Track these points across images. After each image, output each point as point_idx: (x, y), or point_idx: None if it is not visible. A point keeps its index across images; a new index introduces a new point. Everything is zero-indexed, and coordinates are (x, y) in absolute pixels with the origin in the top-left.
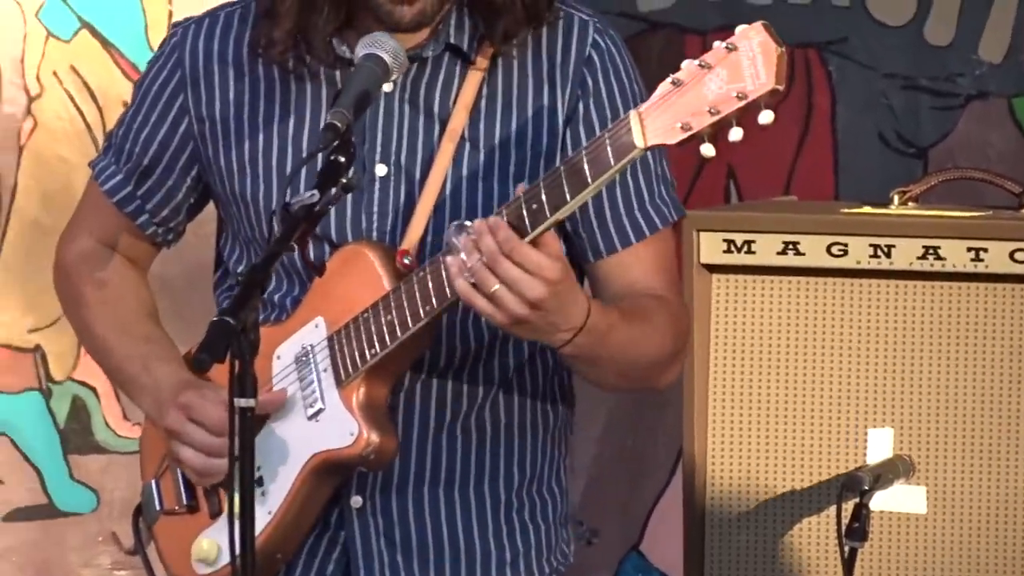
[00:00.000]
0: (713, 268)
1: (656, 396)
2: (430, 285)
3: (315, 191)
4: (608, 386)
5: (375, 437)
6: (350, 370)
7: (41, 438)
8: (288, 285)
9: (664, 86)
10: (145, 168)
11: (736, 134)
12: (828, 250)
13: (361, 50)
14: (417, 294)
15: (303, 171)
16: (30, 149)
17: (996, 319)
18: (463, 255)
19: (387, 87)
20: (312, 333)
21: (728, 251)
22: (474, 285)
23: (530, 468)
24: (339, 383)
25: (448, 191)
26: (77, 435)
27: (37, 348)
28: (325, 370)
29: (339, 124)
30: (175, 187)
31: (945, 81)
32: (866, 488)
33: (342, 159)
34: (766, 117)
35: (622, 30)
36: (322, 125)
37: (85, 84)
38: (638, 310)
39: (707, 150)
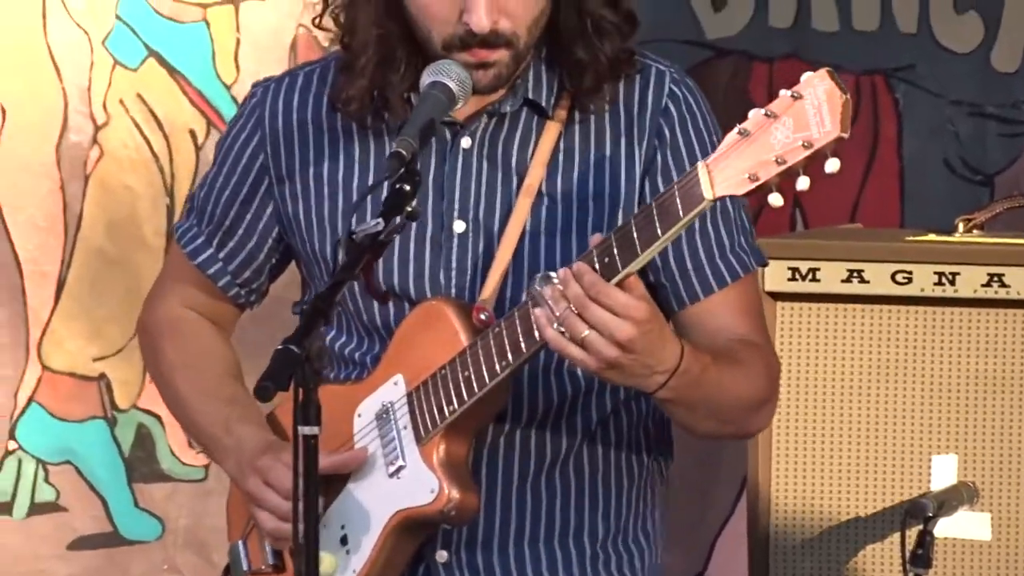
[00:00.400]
0: (778, 296)
1: None
2: (506, 340)
3: (380, 219)
4: (702, 431)
5: (456, 493)
6: (429, 427)
7: (106, 466)
8: (368, 343)
9: (731, 136)
10: (227, 230)
11: (803, 183)
12: (893, 278)
13: (427, 78)
14: (493, 349)
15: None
16: (96, 177)
17: None
18: (551, 303)
19: (465, 143)
20: (392, 390)
21: (793, 279)
22: (564, 334)
23: (615, 520)
24: (419, 440)
25: (526, 246)
26: (142, 463)
27: (102, 376)
28: (405, 427)
29: (404, 152)
30: (257, 248)
31: (1012, 108)
32: (930, 515)
33: (407, 187)
34: (832, 165)
35: (689, 58)
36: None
37: (152, 113)
38: (730, 353)
39: (775, 200)
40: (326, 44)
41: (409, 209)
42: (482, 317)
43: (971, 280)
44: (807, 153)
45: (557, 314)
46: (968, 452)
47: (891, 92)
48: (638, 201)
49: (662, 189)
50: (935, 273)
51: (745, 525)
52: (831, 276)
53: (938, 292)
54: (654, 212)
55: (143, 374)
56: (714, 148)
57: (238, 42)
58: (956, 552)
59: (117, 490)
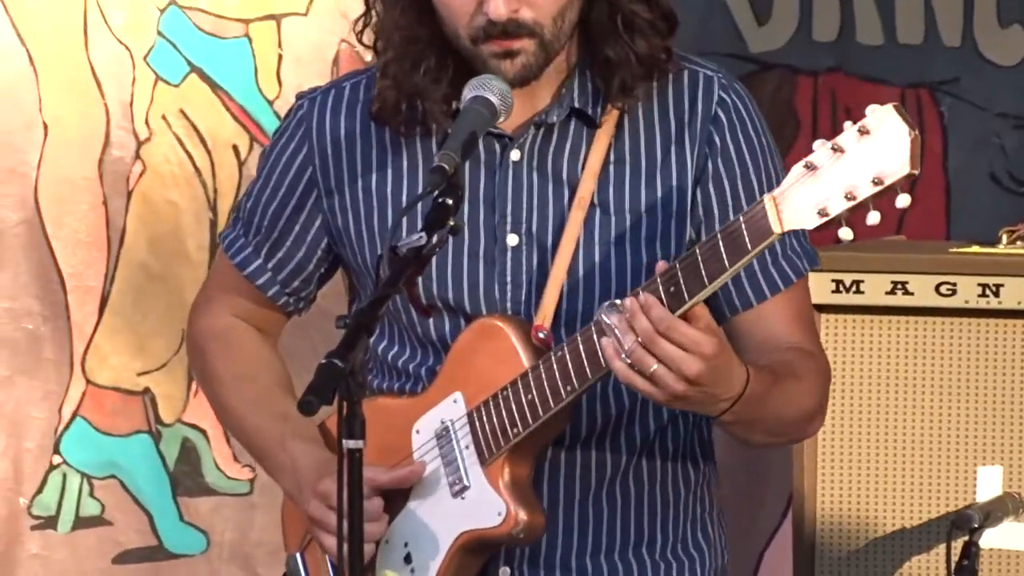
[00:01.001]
0: (822, 308)
1: None
2: (570, 365)
3: (423, 233)
4: (756, 443)
5: (524, 516)
6: (493, 449)
7: (151, 480)
8: (423, 355)
9: (797, 169)
10: (275, 241)
11: (874, 218)
12: (937, 289)
13: (468, 92)
14: (557, 373)
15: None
16: (139, 193)
17: None
18: (618, 333)
19: (515, 155)
20: (451, 408)
21: (837, 291)
22: (632, 366)
23: (673, 529)
24: (482, 461)
25: (580, 259)
26: (187, 477)
27: (146, 391)
28: (467, 447)
29: (447, 167)
30: (306, 259)
31: None
32: (976, 526)
33: (450, 201)
34: (903, 201)
35: (733, 71)
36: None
37: (194, 128)
38: (787, 367)
39: (845, 234)
40: (368, 59)
41: (452, 223)
42: (540, 336)
43: (1015, 291)
44: (877, 189)
45: (625, 347)
46: (1013, 463)
47: (936, 106)
48: (691, 210)
49: (714, 196)
50: (979, 285)
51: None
52: (875, 288)
53: (982, 304)
54: (720, 243)
55: (187, 388)
56: (766, 154)
57: (280, 58)
58: (1001, 563)
59: (162, 504)
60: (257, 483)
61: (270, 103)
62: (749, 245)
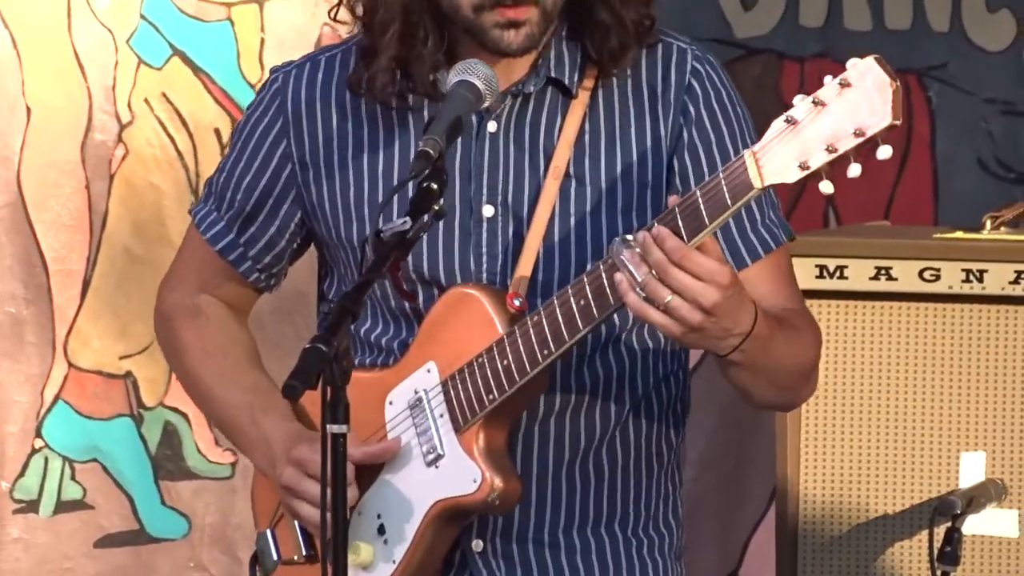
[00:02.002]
0: (806, 293)
1: (753, 421)
2: (547, 329)
3: (407, 218)
4: (760, 397)
5: (499, 482)
6: (468, 415)
7: (133, 464)
8: (395, 328)
9: (777, 124)
10: (247, 215)
11: (855, 170)
12: (920, 275)
13: (453, 77)
14: (534, 338)
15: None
16: (121, 176)
17: None
18: (631, 267)
19: (491, 127)
20: (425, 378)
21: (820, 276)
22: (646, 298)
23: (645, 506)
24: (457, 429)
25: (556, 229)
26: (169, 461)
27: (128, 374)
28: (441, 415)
29: (431, 151)
30: (278, 233)
31: None
32: (958, 512)
33: (434, 186)
34: (884, 152)
35: (719, 56)
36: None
37: (176, 111)
38: (788, 318)
39: (826, 187)
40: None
41: (436, 208)
42: (516, 303)
43: (999, 277)
44: (859, 141)
45: (639, 279)
46: (996, 449)
47: (924, 91)
48: (666, 180)
49: (690, 165)
50: (963, 270)
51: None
52: (859, 274)
53: (966, 289)
54: (699, 201)
55: (169, 372)
56: (741, 123)
57: (262, 41)
58: (984, 549)
59: (144, 488)
60: (239, 467)
61: (252, 87)
62: (729, 201)
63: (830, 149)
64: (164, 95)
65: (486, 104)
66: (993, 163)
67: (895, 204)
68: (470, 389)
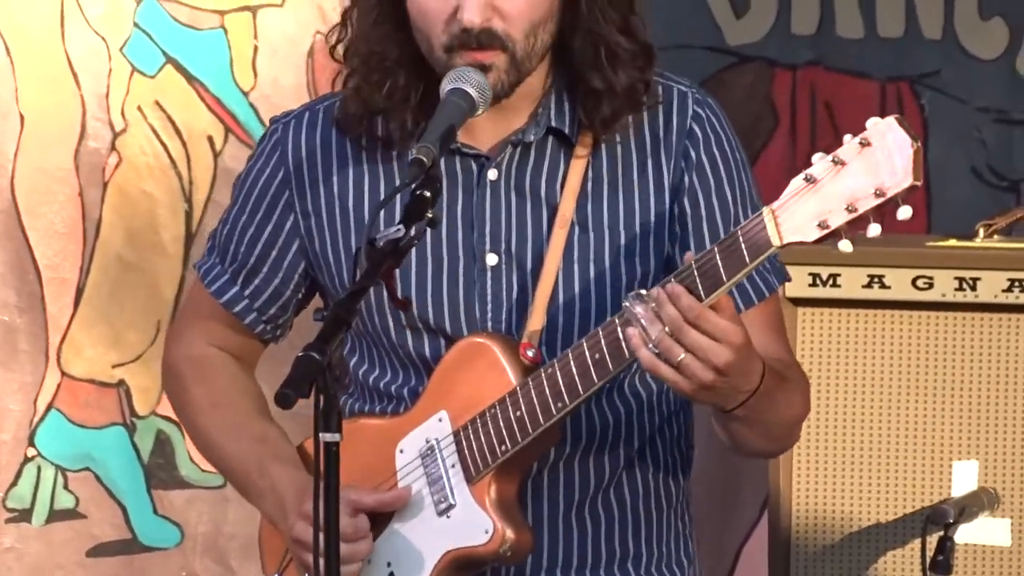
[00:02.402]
0: (798, 302)
1: None
2: (560, 382)
3: (400, 226)
4: (753, 449)
5: (511, 534)
6: (480, 466)
7: (125, 473)
8: (404, 376)
9: (797, 182)
10: (252, 267)
11: (874, 230)
12: (913, 283)
13: (447, 84)
14: (547, 390)
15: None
16: (114, 184)
17: None
18: (644, 323)
19: (492, 175)
20: (436, 427)
21: (813, 284)
22: (658, 355)
23: (657, 545)
24: (469, 479)
25: (563, 279)
26: (161, 470)
27: (121, 383)
28: (453, 465)
29: (424, 159)
30: (283, 285)
31: None
32: (951, 521)
33: (428, 193)
34: (905, 213)
35: (711, 64)
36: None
37: (170, 119)
38: (783, 370)
39: (845, 246)
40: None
41: (430, 215)
42: (529, 354)
43: (992, 285)
44: (879, 201)
45: (653, 336)
46: (989, 458)
47: (917, 99)
48: (668, 225)
49: (689, 210)
50: (956, 278)
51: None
52: (852, 282)
53: (959, 297)
54: (718, 258)
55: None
56: (739, 168)
57: (256, 49)
58: (977, 558)
59: (136, 497)
60: None
61: (245, 94)
62: (748, 258)
63: (850, 209)
64: (157, 103)
65: (479, 112)
66: (986, 171)
67: (888, 212)
68: (482, 440)
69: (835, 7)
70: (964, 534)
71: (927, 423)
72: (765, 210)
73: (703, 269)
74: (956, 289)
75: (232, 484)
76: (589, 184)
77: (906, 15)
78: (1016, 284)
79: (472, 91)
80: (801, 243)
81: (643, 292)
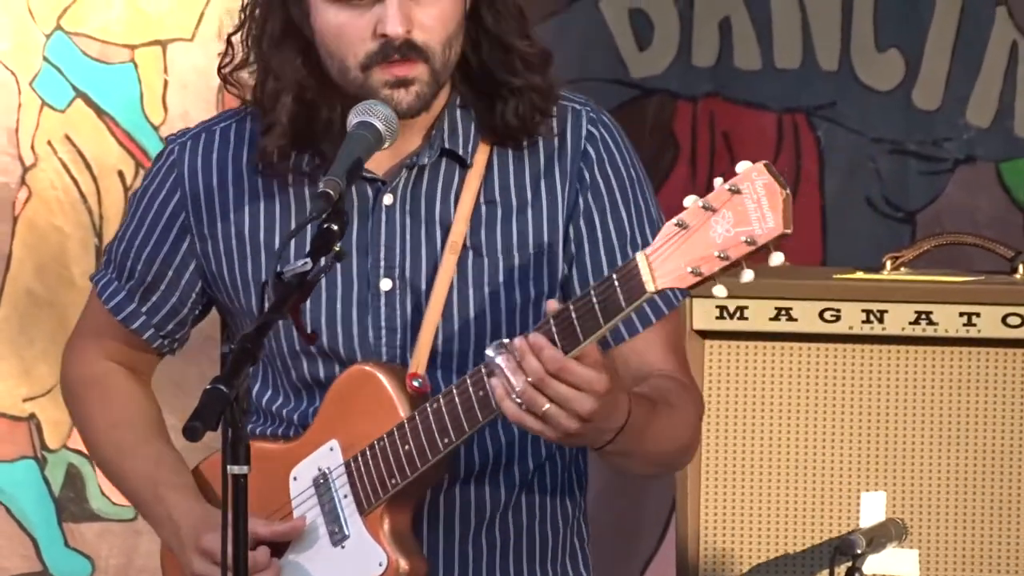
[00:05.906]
0: (705, 334)
1: None
2: (446, 417)
3: (308, 259)
4: (634, 474)
5: (405, 565)
6: (372, 498)
7: (36, 506)
8: (296, 400)
9: (669, 227)
10: (148, 285)
11: (747, 276)
12: (821, 316)
13: (353, 118)
14: (434, 425)
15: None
16: (24, 219)
17: (989, 384)
18: (508, 374)
19: (387, 199)
20: (327, 456)
21: (721, 317)
22: (522, 406)
23: (552, 565)
24: (362, 511)
25: (455, 302)
26: (72, 503)
27: (32, 417)
28: (346, 496)
29: (331, 192)
30: (180, 303)
31: (933, 146)
32: (859, 552)
33: (335, 227)
34: (776, 259)
35: (616, 97)
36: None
37: (80, 153)
38: (664, 396)
39: (719, 291)
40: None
41: (337, 249)
42: (416, 384)
43: (899, 318)
44: (750, 249)
45: (516, 387)
46: (897, 489)
47: (812, 130)
48: (563, 247)
49: (585, 232)
50: (863, 311)
51: (672, 561)
52: (759, 314)
53: (866, 330)
54: (595, 303)
55: None
56: (636, 187)
57: (166, 83)
58: None
59: (47, 530)
60: None
61: (156, 128)
62: (623, 303)
63: (722, 256)
64: (68, 137)
65: (386, 145)
66: (881, 202)
67: (784, 243)
68: (372, 472)
69: (733, 39)
70: (872, 565)
71: (835, 455)
72: (639, 255)
73: (580, 312)
74: (863, 321)
75: (130, 503)
76: (482, 207)
77: (803, 47)
78: (923, 316)
79: (379, 124)
80: (675, 288)
81: (505, 342)
